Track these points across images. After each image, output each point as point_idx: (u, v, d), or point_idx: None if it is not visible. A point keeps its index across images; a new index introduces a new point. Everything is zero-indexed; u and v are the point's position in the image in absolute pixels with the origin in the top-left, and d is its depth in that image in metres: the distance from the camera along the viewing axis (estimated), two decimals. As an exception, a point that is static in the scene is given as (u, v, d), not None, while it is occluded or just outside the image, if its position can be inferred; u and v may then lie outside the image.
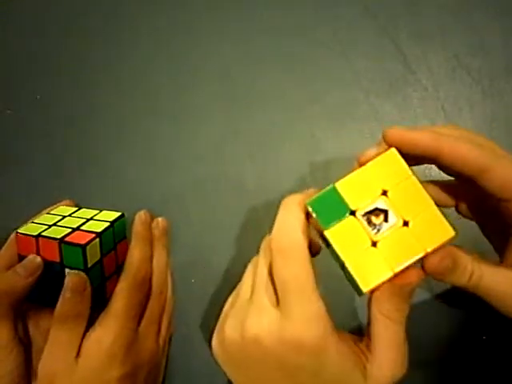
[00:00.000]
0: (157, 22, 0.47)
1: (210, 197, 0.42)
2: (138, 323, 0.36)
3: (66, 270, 0.34)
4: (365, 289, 0.24)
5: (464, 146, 0.25)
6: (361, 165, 0.26)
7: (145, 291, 0.37)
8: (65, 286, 0.32)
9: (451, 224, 0.24)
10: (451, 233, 0.24)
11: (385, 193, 0.25)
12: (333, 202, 0.25)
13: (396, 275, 0.24)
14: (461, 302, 0.38)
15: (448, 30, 0.43)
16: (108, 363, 0.33)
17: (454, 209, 0.32)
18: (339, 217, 0.25)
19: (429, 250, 0.24)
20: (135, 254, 0.37)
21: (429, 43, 0.43)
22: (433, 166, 0.27)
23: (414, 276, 0.25)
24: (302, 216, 0.27)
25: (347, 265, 0.24)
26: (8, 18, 0.50)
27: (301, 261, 0.26)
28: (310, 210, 0.25)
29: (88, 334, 0.33)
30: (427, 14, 0.44)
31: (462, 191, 0.31)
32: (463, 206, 0.31)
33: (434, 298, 0.38)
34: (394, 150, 0.25)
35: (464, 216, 0.32)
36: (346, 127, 0.42)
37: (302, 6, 0.45)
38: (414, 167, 0.26)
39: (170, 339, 0.40)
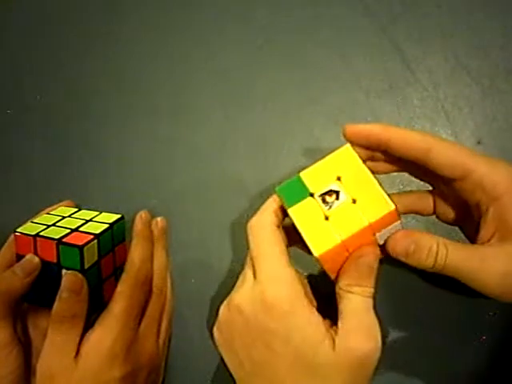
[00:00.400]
0: (157, 22, 0.47)
1: (209, 197, 0.42)
2: (139, 323, 0.36)
3: (63, 271, 0.34)
4: (317, 253, 0.28)
5: (407, 132, 0.30)
6: (346, 137, 0.31)
7: (146, 291, 0.37)
8: (62, 286, 0.32)
9: (392, 201, 0.28)
10: (391, 207, 0.28)
11: (339, 178, 0.29)
12: (297, 188, 0.30)
13: (345, 244, 0.28)
14: (460, 302, 0.38)
15: (448, 30, 0.43)
16: (109, 364, 0.33)
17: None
18: (300, 198, 0.29)
19: (371, 221, 0.28)
20: (136, 253, 0.37)
21: (429, 43, 0.43)
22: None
23: (369, 251, 0.29)
24: (276, 205, 0.31)
25: (303, 234, 0.28)
26: (8, 18, 0.50)
27: (265, 232, 0.31)
28: (279, 193, 0.30)
29: (88, 334, 0.33)
30: (427, 14, 0.44)
31: (439, 196, 0.34)
32: (441, 211, 0.34)
33: (433, 299, 0.38)
34: (348, 145, 0.30)
35: (444, 221, 0.35)
36: (345, 127, 0.42)
37: (302, 5, 0.45)
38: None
39: (170, 339, 0.40)
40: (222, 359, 0.38)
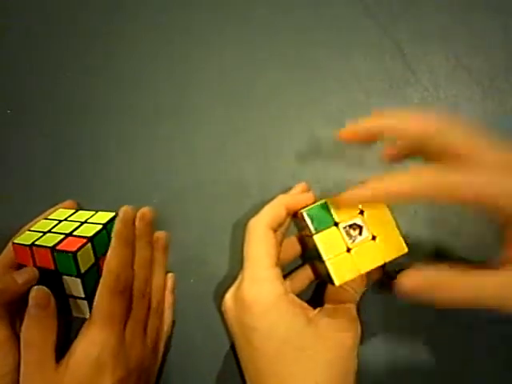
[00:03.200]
0: (157, 22, 0.47)
1: (209, 197, 0.42)
2: (124, 328, 0.35)
3: (64, 277, 0.34)
4: (337, 283, 0.31)
5: (401, 120, 0.29)
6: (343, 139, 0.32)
7: (127, 296, 0.35)
8: (29, 303, 0.32)
9: (406, 243, 0.32)
10: (404, 250, 0.32)
11: (362, 212, 0.32)
12: (322, 213, 0.32)
13: (360, 275, 0.32)
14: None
15: (448, 29, 0.43)
16: (98, 374, 0.32)
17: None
18: (326, 226, 0.32)
19: (386, 260, 0.32)
20: (114, 258, 0.35)
21: (429, 43, 0.43)
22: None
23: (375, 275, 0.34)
24: (279, 211, 0.34)
25: (327, 263, 0.31)
26: (8, 18, 0.50)
27: (257, 233, 0.33)
28: (306, 217, 0.32)
29: (74, 346, 0.33)
30: (427, 14, 0.44)
31: None
32: None
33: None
34: None
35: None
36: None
37: (301, 5, 0.45)
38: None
39: (170, 339, 0.40)
40: (224, 357, 0.39)
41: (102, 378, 0.32)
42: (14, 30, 0.49)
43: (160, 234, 0.40)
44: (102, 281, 0.34)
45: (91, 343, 0.33)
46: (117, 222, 0.36)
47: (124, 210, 0.37)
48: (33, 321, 0.32)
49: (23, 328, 0.32)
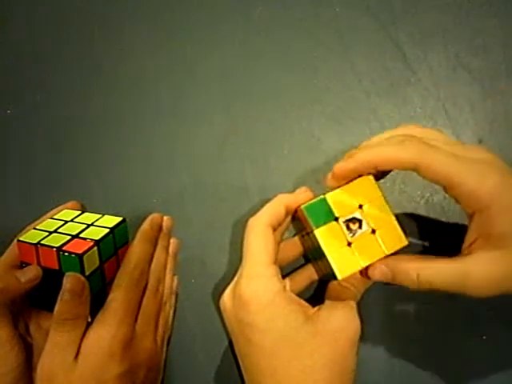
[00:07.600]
0: (157, 22, 0.47)
1: (210, 197, 0.42)
2: (135, 321, 0.36)
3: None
4: (340, 276, 0.31)
5: (392, 152, 0.30)
6: (335, 176, 0.32)
7: (140, 289, 0.37)
8: (63, 287, 0.32)
9: (406, 235, 0.32)
10: (405, 242, 0.32)
11: (361, 206, 0.32)
12: (322, 209, 0.32)
13: (362, 269, 0.32)
14: (460, 302, 0.38)
15: (448, 29, 0.43)
16: (107, 361, 0.33)
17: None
18: (326, 221, 0.32)
19: (387, 253, 0.32)
20: (134, 252, 0.37)
21: (429, 43, 0.43)
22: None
23: (377, 274, 0.32)
24: (278, 210, 0.34)
25: (328, 258, 0.31)
26: (8, 18, 0.50)
27: (255, 232, 0.33)
28: (305, 213, 0.32)
29: (88, 332, 0.33)
30: (428, 13, 0.44)
31: None
32: None
33: (433, 299, 0.38)
34: (370, 176, 0.32)
35: None
36: (346, 127, 0.42)
37: (302, 6, 0.45)
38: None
39: (170, 339, 0.40)
40: (224, 356, 0.39)
41: (109, 367, 0.33)
42: (14, 30, 0.49)
43: (173, 240, 0.41)
44: (120, 270, 0.36)
45: (104, 329, 0.33)
46: (146, 223, 0.39)
47: (156, 215, 0.40)
48: (66, 305, 0.32)
49: (55, 310, 0.32)
